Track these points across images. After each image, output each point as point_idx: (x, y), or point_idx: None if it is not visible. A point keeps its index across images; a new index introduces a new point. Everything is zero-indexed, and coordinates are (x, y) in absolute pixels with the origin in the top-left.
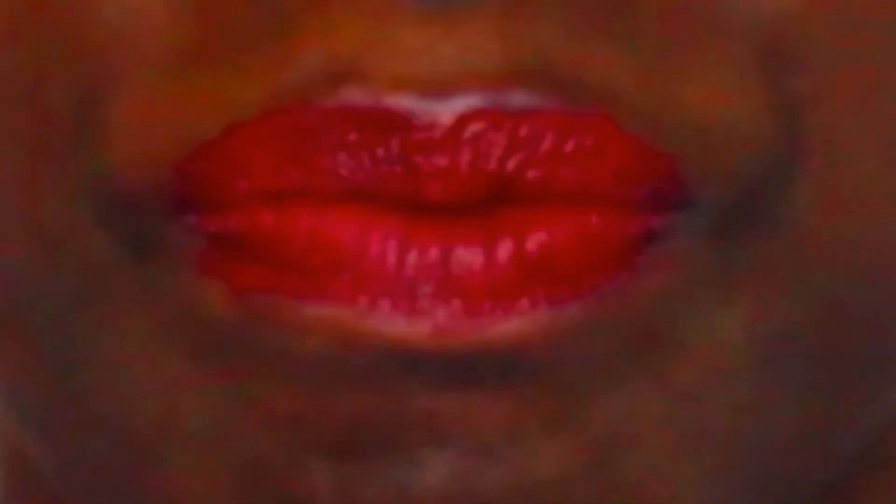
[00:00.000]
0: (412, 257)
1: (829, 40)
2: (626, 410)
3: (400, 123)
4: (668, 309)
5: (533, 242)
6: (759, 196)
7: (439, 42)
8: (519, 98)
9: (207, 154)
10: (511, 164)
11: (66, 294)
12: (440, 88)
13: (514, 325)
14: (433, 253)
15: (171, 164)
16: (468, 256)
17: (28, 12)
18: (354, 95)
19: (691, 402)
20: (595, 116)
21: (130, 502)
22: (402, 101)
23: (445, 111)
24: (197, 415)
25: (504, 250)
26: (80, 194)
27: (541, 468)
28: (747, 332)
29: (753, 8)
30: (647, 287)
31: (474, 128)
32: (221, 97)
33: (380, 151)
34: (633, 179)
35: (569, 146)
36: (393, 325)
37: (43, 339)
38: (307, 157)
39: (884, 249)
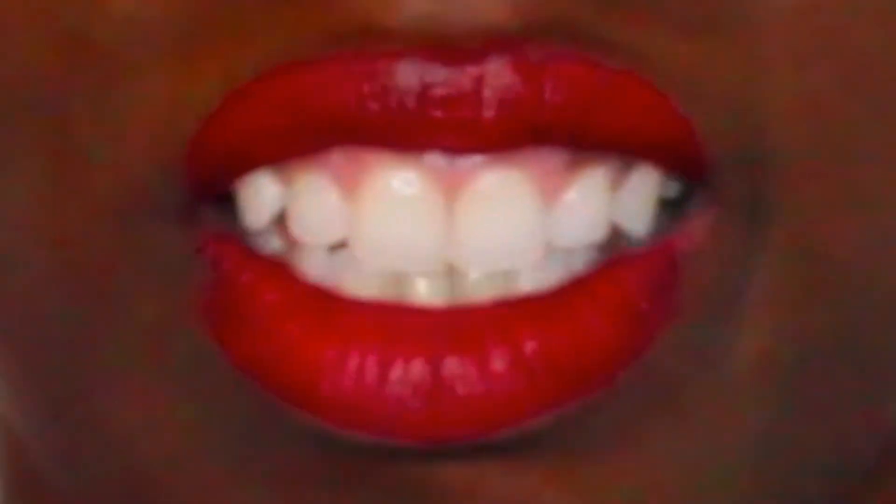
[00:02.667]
0: (396, 372)
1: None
2: (647, 467)
3: (416, 81)
4: (675, 355)
5: (528, 348)
6: (772, 178)
7: (448, 3)
8: (536, 53)
9: (219, 124)
10: (545, 105)
11: (82, 304)
12: (452, 49)
13: (512, 430)
14: (418, 367)
15: (186, 141)
16: (461, 368)
17: (39, 10)
18: (368, 52)
19: (711, 442)
20: (617, 72)
21: None
22: (417, 61)
23: (462, 74)
24: (200, 467)
25: (499, 360)
26: (100, 200)
27: None
28: (758, 361)
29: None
30: (653, 346)
31: (496, 81)
32: (230, 65)
33: (392, 100)
34: (667, 146)
35: (590, 96)
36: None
37: (55, 347)
38: (319, 115)
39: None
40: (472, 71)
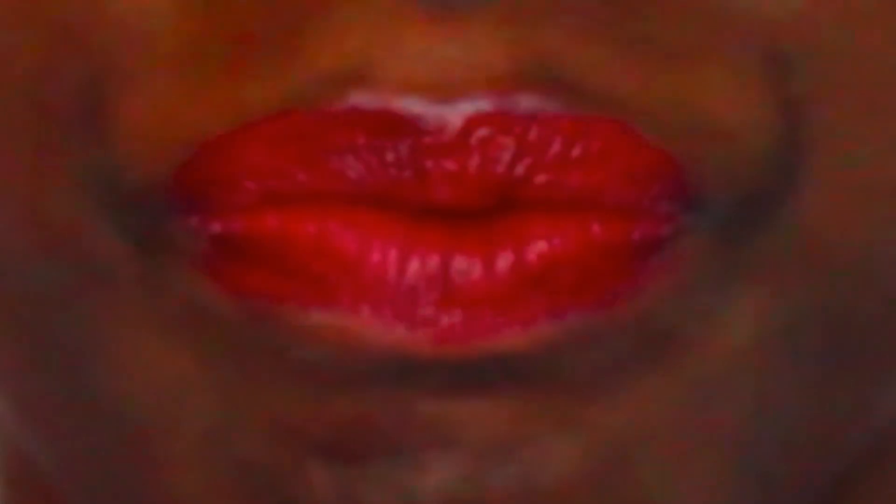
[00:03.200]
0: (413, 266)
1: (832, 40)
2: (636, 411)
3: (409, 128)
4: (675, 310)
5: (533, 252)
6: (764, 197)
7: (442, 45)
8: (526, 101)
9: (212, 153)
10: (520, 169)
11: (69, 288)
12: (446, 92)
13: (514, 334)
14: (433, 262)
15: (177, 162)
16: (468, 266)
17: (35, 5)
18: (362, 99)
19: (701, 402)
20: (602, 121)
21: (130, 502)
22: (411, 105)
23: (454, 115)
24: (199, 414)
25: (503, 261)
26: (84, 187)
27: (550, 470)
28: (756, 329)
29: (756, 9)
30: (652, 291)
31: (483, 132)
32: (228, 97)
33: (389, 155)
34: (642, 183)
35: (576, 151)
36: (394, 332)
37: (44, 334)
38: (315, 159)
39: (890, 246)
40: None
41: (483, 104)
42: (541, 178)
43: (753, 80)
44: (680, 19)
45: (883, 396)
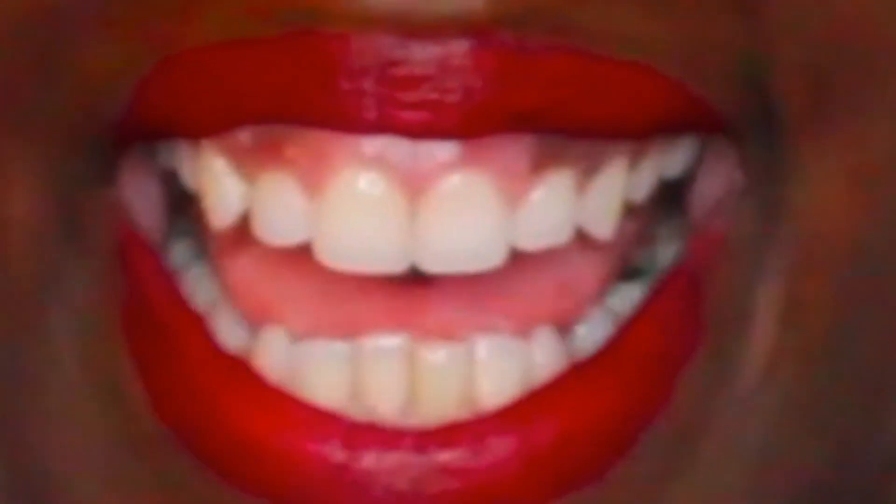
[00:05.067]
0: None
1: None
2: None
3: (373, 63)
4: (701, 395)
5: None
6: (788, 147)
7: None
8: (508, 39)
9: (152, 90)
10: (528, 93)
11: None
12: (420, 30)
13: None
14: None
15: (120, 107)
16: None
17: None
18: (324, 32)
19: (714, 458)
20: (623, 63)
21: None
22: (377, 41)
23: (427, 53)
24: (107, 473)
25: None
26: (34, 150)
27: None
28: (763, 374)
29: None
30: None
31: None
32: (165, 38)
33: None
34: (674, 119)
35: (596, 90)
36: None
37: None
38: (278, 88)
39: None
40: (435, 51)
41: (459, 44)
42: (565, 108)
43: (779, 33)
44: None
45: (892, 423)
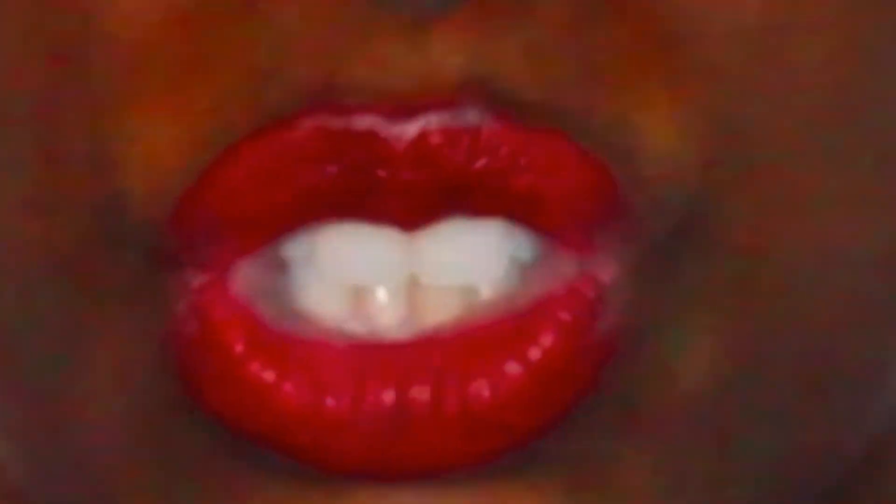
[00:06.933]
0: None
1: (773, 58)
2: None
3: (365, 140)
4: (628, 375)
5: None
6: (697, 217)
7: (404, 56)
8: (473, 115)
9: (202, 191)
10: (470, 170)
11: (66, 321)
12: (403, 106)
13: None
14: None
15: (174, 195)
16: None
17: (36, 30)
18: (328, 116)
19: (668, 451)
20: (545, 133)
21: None
22: (368, 122)
23: (407, 129)
24: (149, 470)
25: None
26: (91, 216)
27: None
28: (710, 369)
29: (705, 28)
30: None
31: (435, 140)
32: (212, 121)
33: (347, 164)
34: (584, 196)
35: (523, 160)
36: None
37: (36, 361)
38: (293, 174)
39: (830, 255)
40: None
41: (433, 119)
42: (490, 181)
43: (691, 105)
44: (632, 36)
45: (871, 405)
